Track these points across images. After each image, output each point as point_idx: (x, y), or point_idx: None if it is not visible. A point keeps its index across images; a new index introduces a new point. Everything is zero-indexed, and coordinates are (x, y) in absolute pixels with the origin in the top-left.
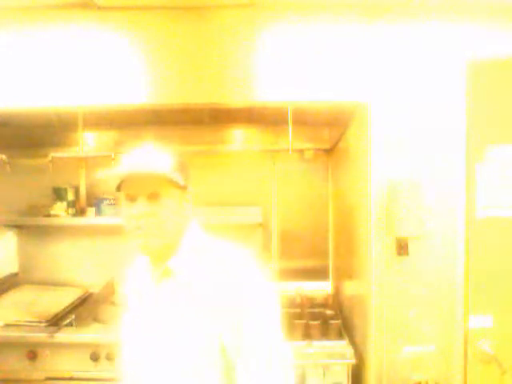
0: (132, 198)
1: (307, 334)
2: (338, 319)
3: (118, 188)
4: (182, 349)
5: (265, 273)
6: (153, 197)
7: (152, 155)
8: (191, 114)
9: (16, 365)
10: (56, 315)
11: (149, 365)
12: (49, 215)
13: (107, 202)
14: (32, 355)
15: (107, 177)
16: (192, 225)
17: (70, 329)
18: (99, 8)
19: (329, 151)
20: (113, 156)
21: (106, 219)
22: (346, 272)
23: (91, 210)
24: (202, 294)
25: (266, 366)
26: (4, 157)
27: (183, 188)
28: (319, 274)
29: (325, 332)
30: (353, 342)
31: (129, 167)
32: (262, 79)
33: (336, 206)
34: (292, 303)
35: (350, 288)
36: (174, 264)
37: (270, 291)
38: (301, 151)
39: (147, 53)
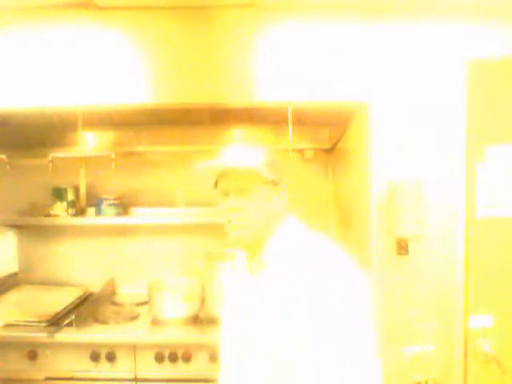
0: (225, 193)
1: None
2: None
3: (215, 184)
4: (274, 341)
5: (360, 271)
6: (242, 191)
7: (243, 152)
8: (191, 114)
9: (16, 365)
10: (56, 315)
11: (249, 357)
12: (49, 215)
13: (107, 202)
14: (32, 355)
15: (203, 171)
16: (287, 218)
17: (70, 329)
18: (99, 8)
19: (329, 151)
20: (113, 156)
21: (106, 219)
22: None
23: (91, 210)
24: (295, 287)
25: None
26: (4, 157)
27: (273, 183)
28: None
29: None
30: None
31: (221, 163)
32: (261, 79)
33: (336, 205)
34: None
35: None
36: (269, 256)
37: (366, 291)
38: (301, 151)
39: (147, 53)
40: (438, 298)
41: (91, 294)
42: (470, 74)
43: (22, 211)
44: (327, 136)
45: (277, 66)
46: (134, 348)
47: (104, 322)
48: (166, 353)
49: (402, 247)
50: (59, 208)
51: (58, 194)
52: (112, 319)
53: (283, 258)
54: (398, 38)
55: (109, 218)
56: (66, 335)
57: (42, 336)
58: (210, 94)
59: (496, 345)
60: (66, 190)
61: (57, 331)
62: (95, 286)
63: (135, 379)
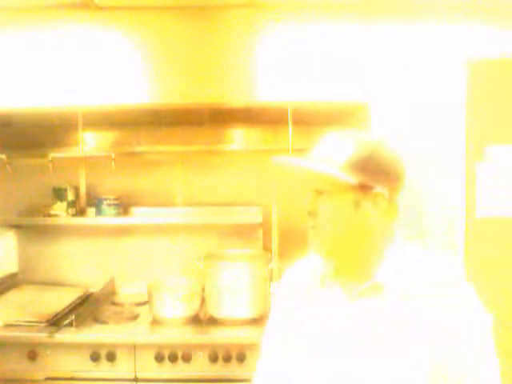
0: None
1: None
2: None
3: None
4: (389, 378)
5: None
6: (318, 194)
7: (329, 145)
8: (191, 114)
9: (16, 365)
10: (56, 315)
11: None
12: (49, 215)
13: (107, 201)
14: (32, 355)
15: (277, 166)
16: (395, 235)
17: (70, 329)
18: (99, 8)
19: None
20: (113, 156)
21: (106, 219)
22: None
23: (91, 210)
24: (417, 315)
25: None
26: (4, 157)
27: (362, 188)
28: None
29: None
30: None
31: (292, 160)
32: (262, 79)
33: None
34: None
35: None
36: (385, 278)
37: (488, 321)
38: (301, 151)
39: (147, 53)
40: None
41: (91, 294)
42: (470, 74)
43: (22, 211)
44: None
45: (277, 66)
46: (133, 348)
47: (104, 322)
48: (166, 353)
49: None
50: (59, 208)
51: (58, 193)
52: (112, 319)
53: (401, 282)
54: (398, 38)
55: (109, 218)
56: (65, 335)
57: (42, 336)
58: (210, 94)
59: (496, 345)
60: (66, 189)
61: (57, 331)
62: (95, 286)
63: (135, 379)
